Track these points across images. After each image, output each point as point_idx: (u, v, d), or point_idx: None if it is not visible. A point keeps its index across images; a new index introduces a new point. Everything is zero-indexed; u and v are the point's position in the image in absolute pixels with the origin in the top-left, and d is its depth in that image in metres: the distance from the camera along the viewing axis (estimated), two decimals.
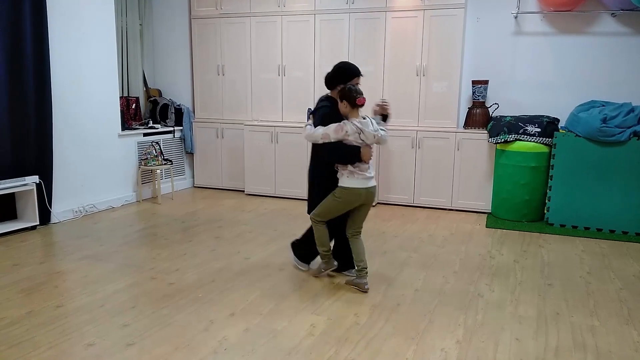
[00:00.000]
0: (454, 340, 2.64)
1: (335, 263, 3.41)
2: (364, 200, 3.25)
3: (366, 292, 3.24)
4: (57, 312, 2.91)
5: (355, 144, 3.12)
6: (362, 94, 3.11)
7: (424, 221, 5.02)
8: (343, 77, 3.21)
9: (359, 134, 3.10)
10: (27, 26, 4.37)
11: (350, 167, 3.17)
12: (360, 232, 3.35)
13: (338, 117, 3.16)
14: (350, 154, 3.11)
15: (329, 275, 3.52)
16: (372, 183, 3.24)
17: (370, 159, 3.16)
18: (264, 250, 4.07)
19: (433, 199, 5.49)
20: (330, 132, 3.11)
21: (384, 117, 3.36)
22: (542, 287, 3.39)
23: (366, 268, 3.29)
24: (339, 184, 3.23)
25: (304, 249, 3.57)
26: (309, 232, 3.50)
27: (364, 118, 3.17)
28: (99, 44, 5.13)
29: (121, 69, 6.01)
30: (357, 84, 3.23)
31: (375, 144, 3.24)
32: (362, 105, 3.11)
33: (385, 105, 3.33)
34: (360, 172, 3.17)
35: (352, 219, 3.33)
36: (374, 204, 4.47)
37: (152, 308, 2.97)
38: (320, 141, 3.17)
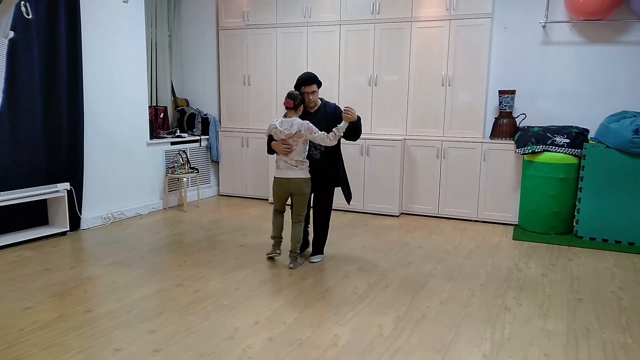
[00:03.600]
0: (480, 354, 2.60)
1: (278, 252, 3.99)
2: (288, 189, 3.75)
3: (291, 268, 3.83)
4: (87, 316, 2.98)
5: (276, 137, 3.73)
6: (294, 99, 3.67)
7: (449, 232, 4.97)
8: (295, 85, 3.82)
9: (274, 129, 3.70)
10: (62, 37, 4.52)
11: (277, 159, 3.77)
12: (298, 221, 3.82)
13: (301, 117, 3.79)
14: (267, 145, 3.86)
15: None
16: (292, 175, 3.71)
17: (286, 153, 3.68)
18: (288, 259, 4.07)
19: (458, 210, 5.43)
20: (267, 128, 3.83)
21: (354, 122, 3.72)
22: (571, 301, 3.31)
23: (294, 252, 3.84)
24: None
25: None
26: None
27: (292, 119, 3.70)
28: (129, 55, 5.26)
29: (150, 79, 6.14)
30: (308, 92, 3.74)
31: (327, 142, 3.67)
32: (287, 107, 3.72)
33: (346, 113, 3.68)
34: (283, 163, 3.73)
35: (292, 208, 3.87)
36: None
37: (178, 315, 3.01)
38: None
